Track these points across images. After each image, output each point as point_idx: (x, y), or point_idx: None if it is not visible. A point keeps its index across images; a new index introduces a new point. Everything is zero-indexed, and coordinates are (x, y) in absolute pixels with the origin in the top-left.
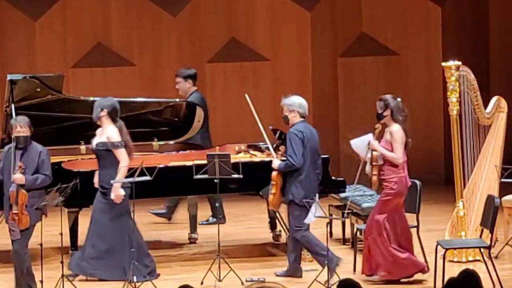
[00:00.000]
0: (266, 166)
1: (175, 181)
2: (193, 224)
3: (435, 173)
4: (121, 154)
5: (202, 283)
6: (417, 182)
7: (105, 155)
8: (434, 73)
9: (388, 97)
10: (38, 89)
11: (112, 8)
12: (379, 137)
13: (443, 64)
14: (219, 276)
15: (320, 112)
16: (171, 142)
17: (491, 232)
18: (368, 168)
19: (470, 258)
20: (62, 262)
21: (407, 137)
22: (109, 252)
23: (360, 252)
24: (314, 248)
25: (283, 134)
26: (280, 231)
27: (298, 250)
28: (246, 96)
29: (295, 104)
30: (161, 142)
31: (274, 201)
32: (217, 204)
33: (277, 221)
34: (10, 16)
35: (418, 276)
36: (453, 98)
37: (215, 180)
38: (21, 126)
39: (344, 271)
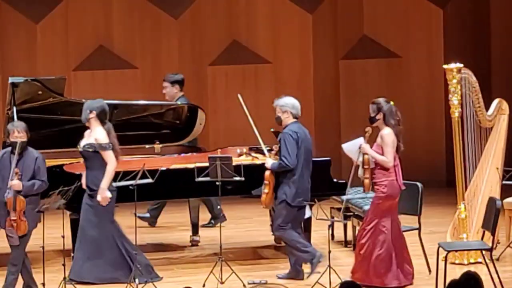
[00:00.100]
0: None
1: (177, 183)
2: (195, 226)
3: (437, 175)
4: (109, 156)
5: (204, 285)
6: (419, 184)
7: (93, 156)
8: (436, 75)
9: (381, 100)
10: (40, 92)
11: (114, 10)
12: (371, 141)
13: (445, 66)
14: (221, 279)
15: (321, 114)
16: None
17: (493, 234)
18: (360, 171)
19: (472, 260)
20: (64, 265)
21: (399, 141)
22: (96, 254)
23: None
24: (296, 245)
25: None
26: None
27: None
28: (239, 96)
29: (288, 105)
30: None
31: (267, 200)
32: (219, 207)
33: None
34: (11, 18)
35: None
36: (454, 101)
37: (217, 183)
38: (18, 131)
39: (346, 274)
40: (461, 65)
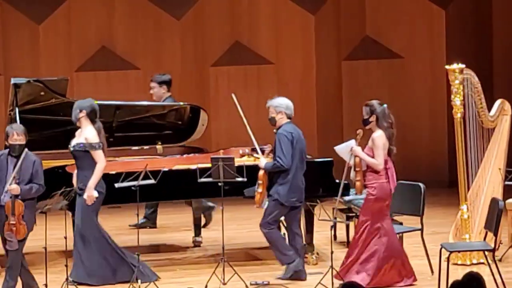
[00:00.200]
0: None
1: (179, 184)
2: (198, 227)
3: (439, 176)
4: (99, 155)
5: (206, 286)
6: (421, 185)
7: (83, 156)
8: (438, 76)
9: (374, 102)
10: (42, 93)
11: (116, 11)
12: (362, 143)
13: (447, 67)
14: (224, 280)
15: (324, 115)
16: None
17: (495, 235)
18: (352, 173)
19: (474, 261)
20: (66, 266)
21: (391, 144)
22: (90, 254)
23: None
24: (279, 246)
25: None
26: (284, 234)
27: (302, 253)
28: (233, 96)
29: (282, 105)
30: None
31: (261, 200)
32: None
33: (281, 225)
34: (13, 19)
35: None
36: (457, 101)
37: (219, 184)
38: (18, 134)
39: None
40: (463, 65)
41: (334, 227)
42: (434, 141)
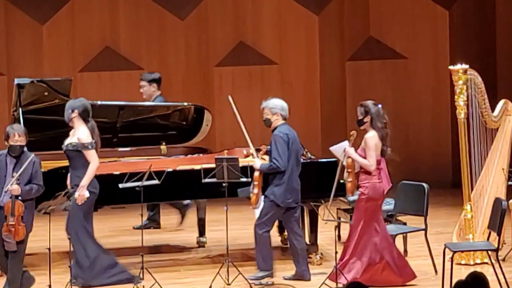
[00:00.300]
0: None
1: (184, 185)
2: (202, 228)
3: (443, 176)
4: (91, 155)
5: (210, 287)
6: (425, 185)
7: (76, 155)
8: (442, 76)
9: (369, 103)
10: (46, 93)
11: (120, 12)
12: (355, 144)
13: (451, 67)
14: (228, 280)
15: (328, 116)
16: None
17: (499, 234)
18: (345, 174)
19: (478, 261)
20: (70, 267)
21: (384, 145)
22: (85, 256)
23: None
24: (263, 252)
25: None
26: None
27: (304, 254)
28: (229, 98)
29: (278, 106)
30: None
31: (257, 201)
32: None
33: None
34: (17, 19)
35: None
36: (460, 102)
37: (223, 184)
38: (19, 135)
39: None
40: (467, 66)
41: (338, 227)
42: (438, 142)
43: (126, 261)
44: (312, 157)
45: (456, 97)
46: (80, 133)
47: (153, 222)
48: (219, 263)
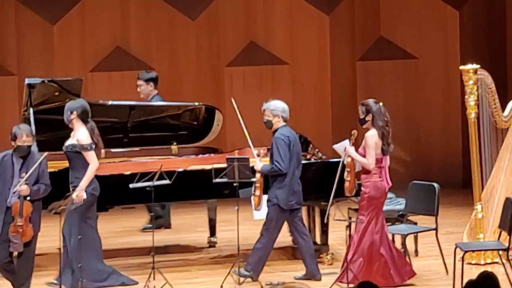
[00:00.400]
0: None
1: (194, 185)
2: (213, 228)
3: (453, 176)
4: (90, 156)
5: (221, 287)
6: (435, 184)
7: (75, 157)
8: (452, 76)
9: (370, 101)
10: (57, 93)
11: (130, 12)
12: (356, 143)
13: (461, 67)
14: (239, 280)
15: (339, 116)
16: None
17: (509, 234)
18: (345, 173)
19: (489, 261)
20: (80, 266)
21: (385, 143)
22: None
23: None
24: (261, 256)
25: (302, 137)
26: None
27: (313, 254)
28: (233, 100)
29: (279, 108)
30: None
31: (259, 202)
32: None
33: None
34: (28, 19)
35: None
36: (471, 102)
37: (234, 184)
38: (27, 135)
39: None
40: (478, 66)
41: (349, 227)
42: (448, 142)
43: (137, 261)
44: (323, 157)
45: (466, 97)
46: (79, 135)
47: (165, 222)
48: (230, 263)
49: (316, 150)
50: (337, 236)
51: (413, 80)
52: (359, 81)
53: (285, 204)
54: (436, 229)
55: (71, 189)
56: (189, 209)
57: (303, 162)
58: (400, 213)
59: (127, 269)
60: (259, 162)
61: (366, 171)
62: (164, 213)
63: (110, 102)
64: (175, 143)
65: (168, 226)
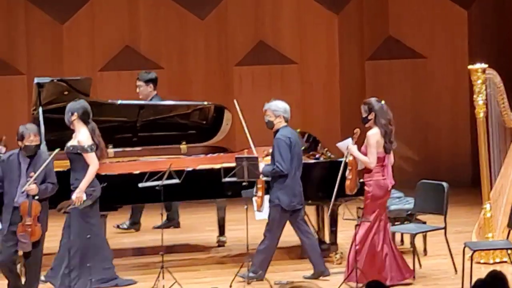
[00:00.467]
0: None
1: (204, 184)
2: (222, 227)
3: (462, 176)
4: (91, 158)
5: (230, 286)
6: (444, 184)
7: (76, 158)
8: (461, 76)
9: (372, 100)
10: (66, 92)
11: (140, 11)
12: (359, 141)
13: (470, 67)
14: (248, 280)
15: (347, 115)
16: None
17: None
18: (347, 171)
19: (497, 260)
20: (89, 266)
21: (387, 141)
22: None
23: None
24: (261, 258)
25: (311, 136)
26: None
27: (319, 251)
28: (235, 102)
29: (281, 109)
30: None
31: (261, 203)
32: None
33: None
34: (37, 19)
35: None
36: (479, 101)
37: (243, 183)
38: (34, 135)
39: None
40: (486, 65)
41: (358, 226)
42: (457, 141)
43: (146, 260)
44: (332, 156)
45: (475, 96)
46: (80, 136)
47: (172, 221)
48: (239, 262)
49: (325, 149)
50: (346, 235)
51: (422, 80)
52: (368, 80)
53: (287, 205)
54: (445, 228)
55: (71, 190)
56: (198, 208)
57: (312, 161)
58: (409, 212)
59: (136, 268)
60: (261, 163)
61: (369, 170)
62: (171, 213)
63: (119, 102)
64: (184, 143)
65: (177, 225)
